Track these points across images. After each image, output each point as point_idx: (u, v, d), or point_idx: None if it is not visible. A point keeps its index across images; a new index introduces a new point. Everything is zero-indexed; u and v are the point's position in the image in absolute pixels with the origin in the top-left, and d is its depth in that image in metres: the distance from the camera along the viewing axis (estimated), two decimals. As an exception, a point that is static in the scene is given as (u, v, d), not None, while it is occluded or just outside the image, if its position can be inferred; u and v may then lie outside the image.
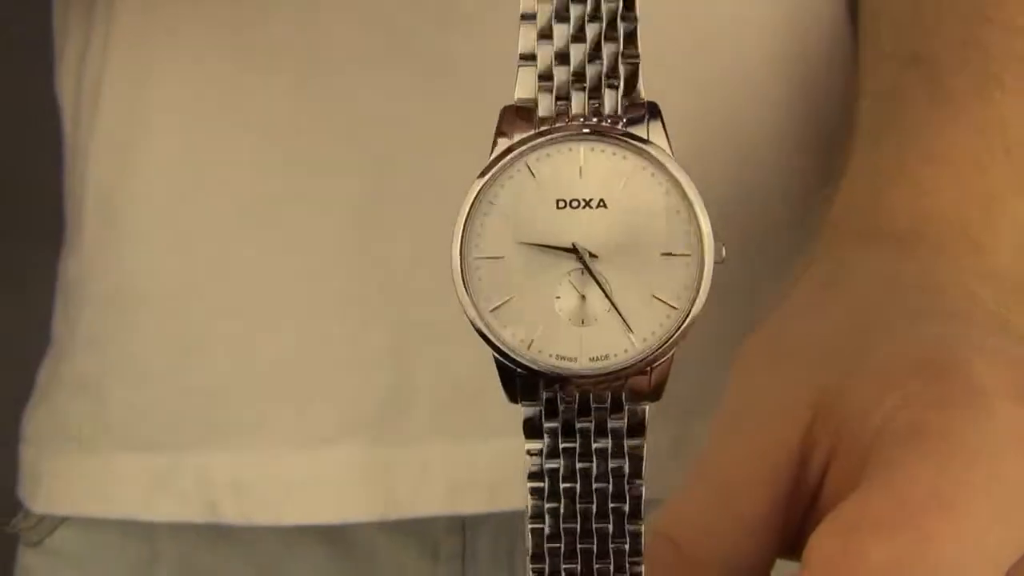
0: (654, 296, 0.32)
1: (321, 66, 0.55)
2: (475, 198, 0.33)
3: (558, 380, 0.33)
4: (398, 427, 0.56)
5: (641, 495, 0.34)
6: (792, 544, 0.36)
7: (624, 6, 0.33)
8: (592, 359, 0.33)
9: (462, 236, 0.33)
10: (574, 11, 0.33)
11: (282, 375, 0.56)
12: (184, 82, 0.56)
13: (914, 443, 0.34)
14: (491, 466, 0.55)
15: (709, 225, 0.32)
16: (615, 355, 0.33)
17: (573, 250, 0.32)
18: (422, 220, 0.54)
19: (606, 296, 0.32)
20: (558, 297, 0.33)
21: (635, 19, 0.33)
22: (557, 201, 0.32)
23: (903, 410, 0.34)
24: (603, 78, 0.33)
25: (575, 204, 0.32)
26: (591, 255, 0.32)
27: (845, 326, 0.39)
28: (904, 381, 0.35)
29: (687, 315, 0.32)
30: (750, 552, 0.36)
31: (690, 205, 0.32)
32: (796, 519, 0.37)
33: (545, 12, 0.33)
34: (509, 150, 0.32)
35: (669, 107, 0.54)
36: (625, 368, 0.33)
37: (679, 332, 0.32)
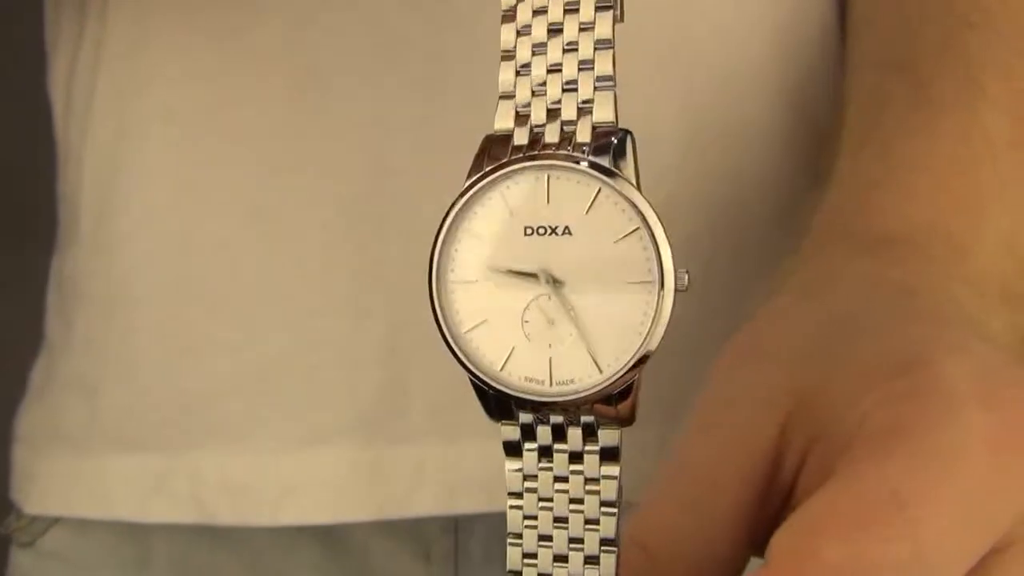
0: (617, 323, 0.33)
1: (315, 68, 0.55)
2: (450, 224, 0.33)
3: (528, 403, 0.33)
4: (392, 427, 0.56)
5: (616, 520, 0.34)
6: (765, 542, 0.37)
7: (600, 35, 0.33)
8: (559, 383, 0.33)
9: (438, 260, 0.33)
10: (552, 43, 0.33)
11: (276, 376, 0.56)
12: (177, 85, 0.56)
13: (881, 443, 0.34)
14: (486, 466, 0.55)
15: (670, 254, 0.32)
16: (580, 379, 0.33)
17: (538, 276, 0.33)
18: (416, 221, 0.54)
19: (572, 322, 0.33)
20: (527, 321, 0.33)
21: (612, 47, 0.33)
22: (525, 228, 0.33)
23: (876, 411, 0.35)
24: (578, 107, 0.33)
25: (542, 231, 0.33)
26: (556, 280, 0.33)
27: (825, 329, 0.39)
28: (880, 382, 0.35)
29: (646, 341, 0.32)
30: (722, 553, 0.36)
31: (652, 234, 0.32)
32: (769, 518, 0.37)
33: (525, 47, 0.33)
34: (482, 177, 0.33)
35: (660, 106, 0.54)
36: (590, 393, 0.33)
37: (637, 358, 0.33)
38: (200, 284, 0.57)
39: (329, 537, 0.58)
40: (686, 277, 0.33)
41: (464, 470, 0.55)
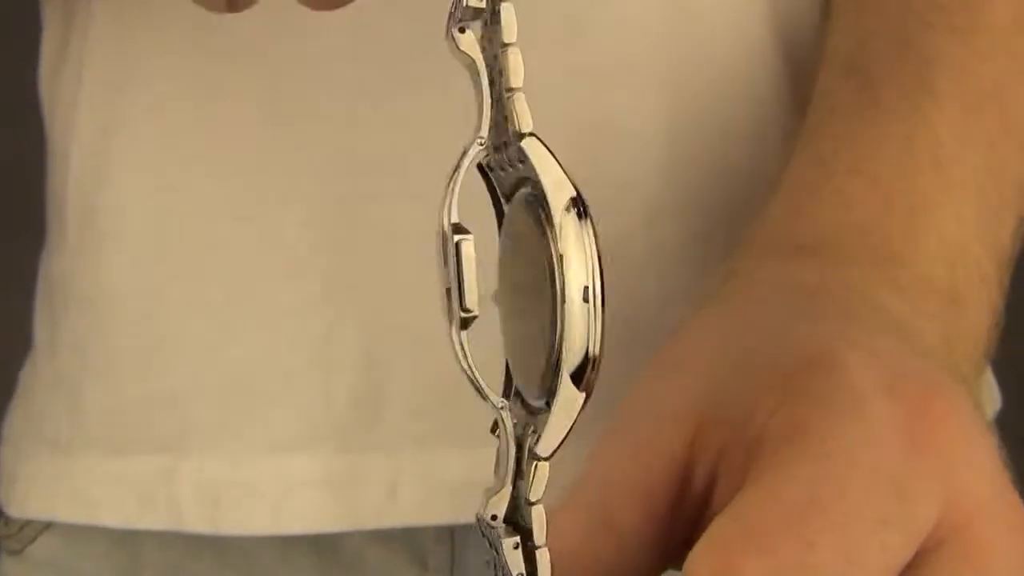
0: None
1: (296, 67, 0.54)
2: None
3: None
4: (370, 434, 0.55)
5: None
6: (681, 555, 0.35)
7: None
8: None
9: None
10: None
11: (250, 379, 0.55)
12: (160, 85, 0.56)
13: (791, 446, 0.33)
14: (462, 474, 0.54)
15: None
16: None
17: None
18: (394, 223, 0.54)
19: None
20: None
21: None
22: None
23: (780, 411, 0.34)
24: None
25: None
26: None
27: (736, 337, 0.38)
28: (782, 382, 0.35)
29: None
30: (631, 567, 0.35)
31: None
32: (684, 530, 0.35)
33: None
34: None
35: (646, 104, 0.53)
36: None
37: None
38: (178, 285, 0.56)
39: (324, 546, 0.57)
40: None
41: (441, 478, 0.54)
